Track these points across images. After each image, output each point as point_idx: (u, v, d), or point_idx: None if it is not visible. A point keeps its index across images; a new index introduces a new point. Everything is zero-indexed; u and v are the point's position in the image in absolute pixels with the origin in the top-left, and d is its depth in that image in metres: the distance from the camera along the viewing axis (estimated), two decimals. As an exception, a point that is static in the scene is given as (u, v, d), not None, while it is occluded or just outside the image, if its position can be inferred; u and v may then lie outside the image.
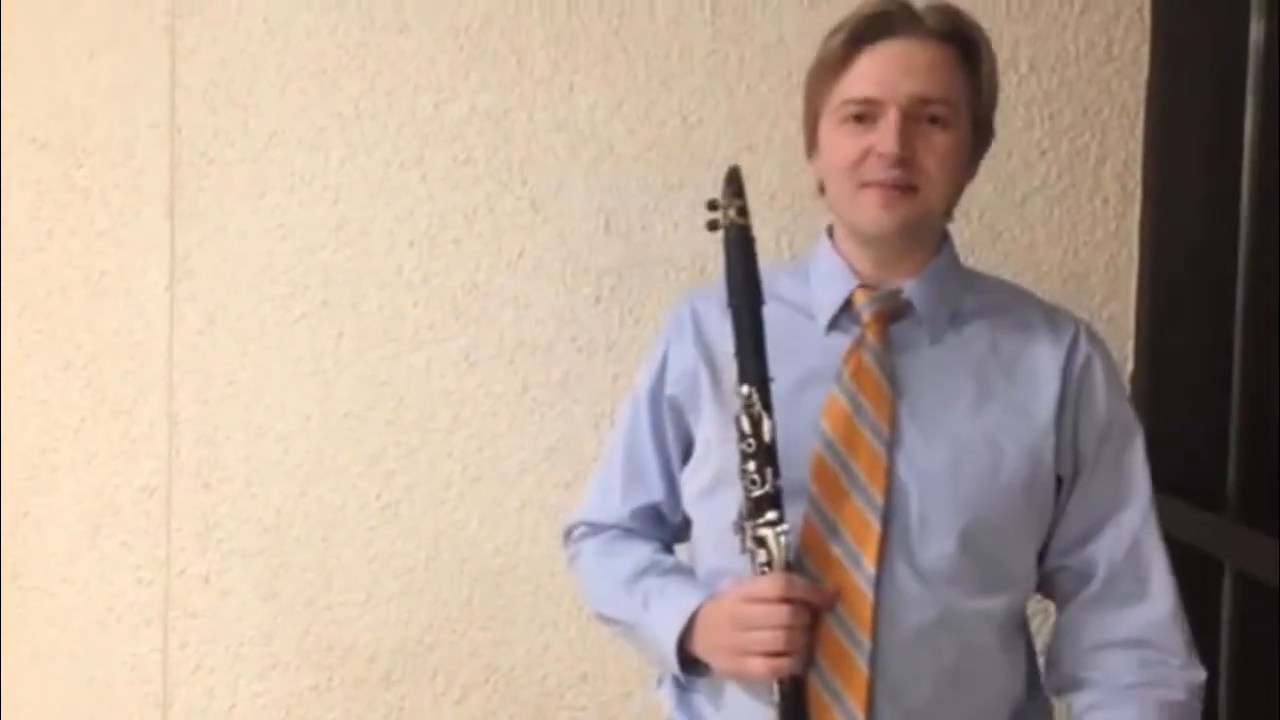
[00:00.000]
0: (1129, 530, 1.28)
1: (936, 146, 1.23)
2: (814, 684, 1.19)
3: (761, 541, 1.18)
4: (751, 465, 1.18)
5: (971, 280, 1.35)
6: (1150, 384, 1.87)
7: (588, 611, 1.45)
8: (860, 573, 1.20)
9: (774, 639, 1.16)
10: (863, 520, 1.21)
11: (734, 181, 1.24)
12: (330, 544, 1.97)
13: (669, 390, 1.37)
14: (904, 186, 1.23)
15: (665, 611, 1.29)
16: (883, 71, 1.23)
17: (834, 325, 1.29)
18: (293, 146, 1.95)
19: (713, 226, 1.25)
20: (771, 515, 1.17)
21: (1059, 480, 1.28)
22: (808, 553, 1.21)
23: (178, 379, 1.98)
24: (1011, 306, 1.33)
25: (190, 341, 1.97)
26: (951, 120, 1.24)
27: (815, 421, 1.24)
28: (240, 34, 1.95)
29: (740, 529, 1.20)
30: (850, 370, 1.25)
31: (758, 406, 1.19)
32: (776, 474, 1.18)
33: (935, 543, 1.21)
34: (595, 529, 1.43)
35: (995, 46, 1.83)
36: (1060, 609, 1.32)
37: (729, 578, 1.24)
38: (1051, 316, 1.33)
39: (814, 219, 1.88)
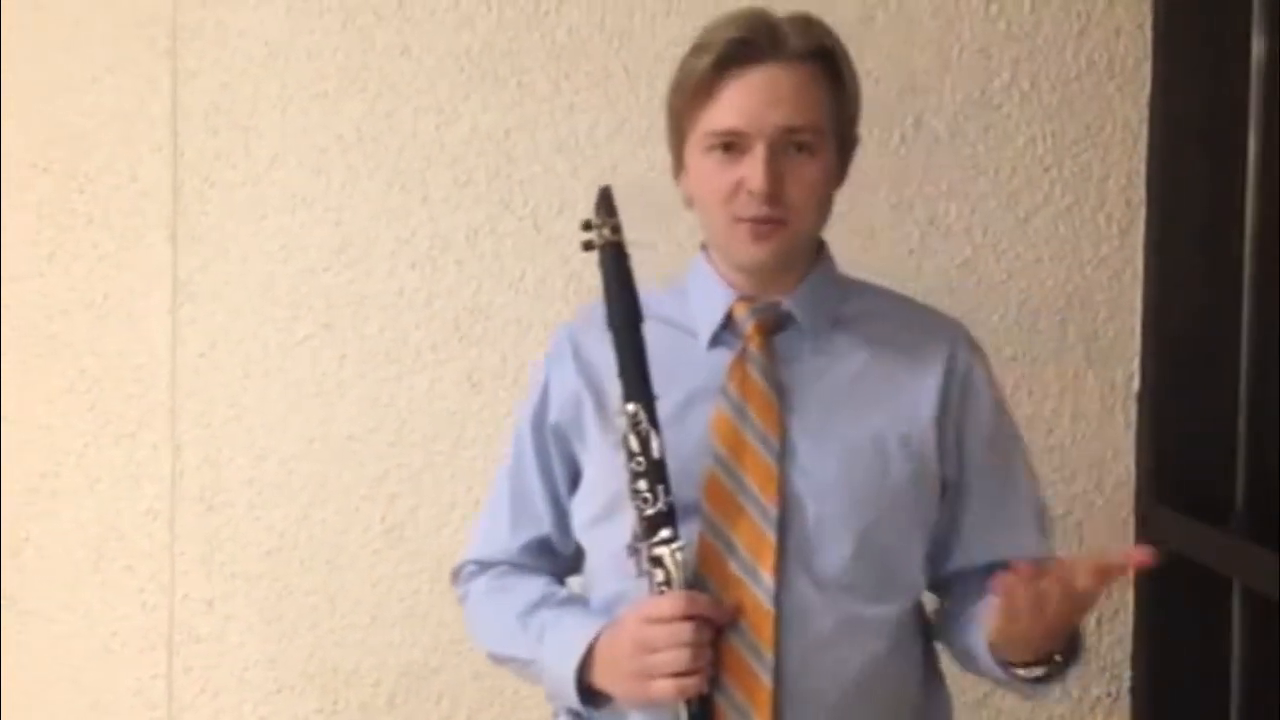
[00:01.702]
0: (1025, 546, 1.28)
1: (805, 176, 1.23)
2: (718, 701, 1.18)
3: (658, 561, 1.17)
4: (643, 484, 1.18)
5: (850, 287, 1.35)
6: (1156, 400, 1.86)
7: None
8: (759, 586, 1.20)
9: (678, 659, 1.15)
10: (758, 533, 1.21)
11: (607, 200, 1.25)
12: (334, 567, 1.97)
13: (553, 419, 1.34)
14: (773, 221, 1.23)
15: (561, 644, 1.26)
16: (749, 103, 1.21)
17: (716, 341, 1.29)
18: (294, 169, 1.95)
19: (588, 247, 1.25)
20: (666, 533, 1.17)
21: (944, 485, 1.29)
22: (706, 571, 1.21)
23: (180, 402, 1.97)
24: (891, 312, 1.34)
25: (193, 365, 1.97)
26: (817, 145, 1.24)
27: (704, 439, 1.24)
28: (241, 57, 1.95)
29: (635, 550, 1.19)
30: (735, 384, 1.25)
31: (645, 424, 1.18)
32: (668, 491, 1.18)
33: (832, 551, 1.22)
34: (484, 566, 1.41)
35: (997, 66, 1.87)
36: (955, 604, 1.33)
37: (627, 603, 1.23)
38: (931, 321, 1.35)
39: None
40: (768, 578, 1.20)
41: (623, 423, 1.19)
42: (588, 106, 1.91)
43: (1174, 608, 1.85)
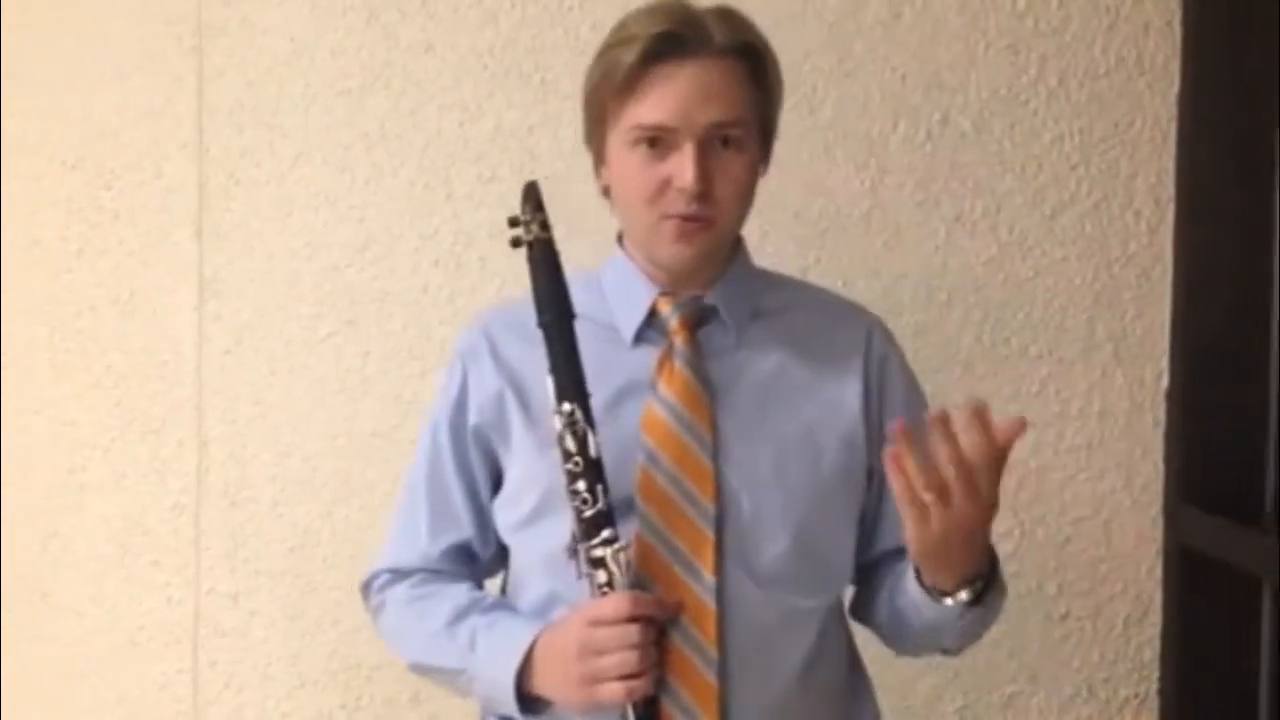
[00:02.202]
0: None
1: (732, 172, 1.22)
2: (664, 702, 1.17)
3: (599, 562, 1.16)
4: (581, 485, 1.16)
5: (768, 280, 1.36)
6: (1185, 399, 1.84)
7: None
8: (700, 584, 1.19)
9: (626, 661, 1.14)
10: (697, 531, 1.20)
11: (533, 196, 1.23)
12: (357, 563, 1.94)
13: (473, 420, 1.31)
14: (700, 219, 1.21)
15: (497, 649, 1.23)
16: (678, 98, 1.19)
17: (640, 337, 1.27)
18: (319, 166, 1.95)
19: (516, 243, 1.23)
20: (607, 534, 1.16)
21: (871, 471, 1.29)
22: (645, 569, 1.19)
23: (206, 399, 1.98)
24: (807, 303, 1.34)
25: (218, 361, 1.98)
26: (744, 140, 1.23)
27: (635, 437, 1.22)
28: (266, 55, 1.96)
29: (574, 552, 1.17)
30: (664, 380, 1.24)
31: (582, 423, 1.17)
32: (606, 491, 1.16)
33: (770, 546, 1.22)
34: (400, 575, 1.37)
35: (1024, 62, 1.85)
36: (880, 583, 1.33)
37: (563, 605, 1.21)
38: (845, 312, 1.35)
39: (844, 236, 1.88)
40: (708, 575, 1.19)
41: (558, 423, 1.17)
42: (612, 103, 1.90)
43: (1202, 608, 1.83)
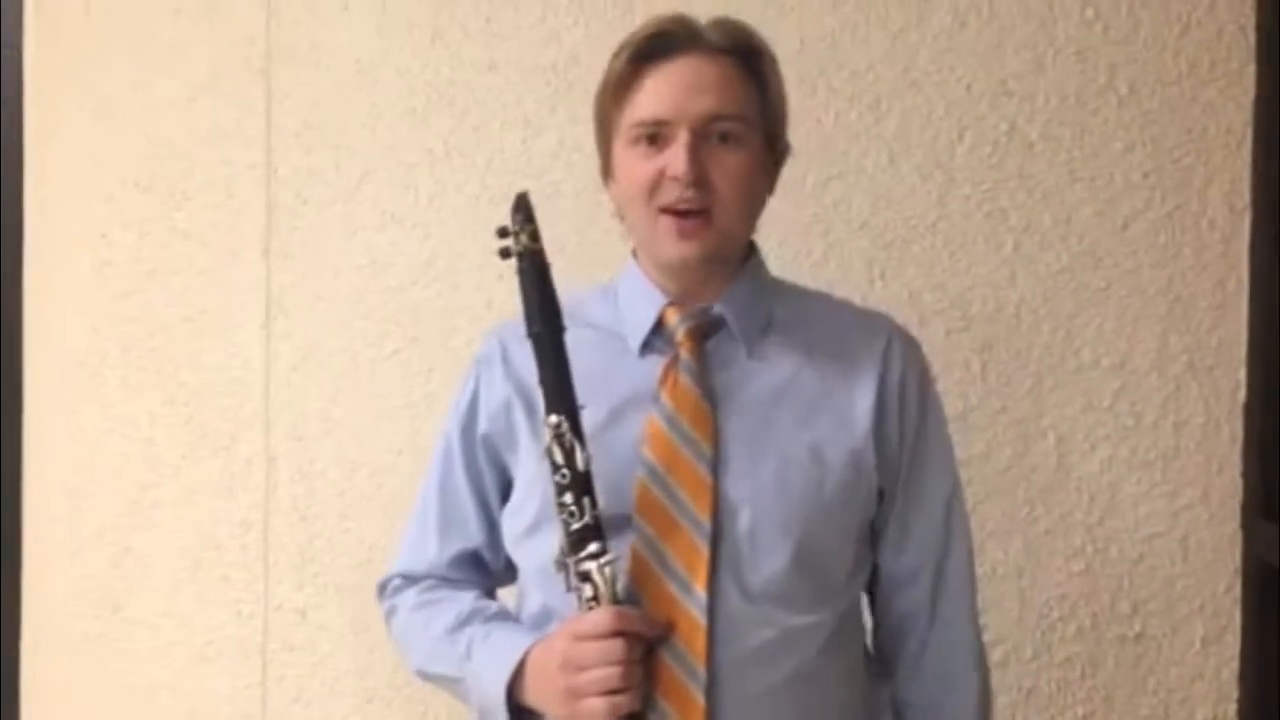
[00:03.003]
0: (935, 550, 1.30)
1: (728, 165, 1.22)
2: (650, 718, 1.15)
3: (586, 576, 1.14)
4: (568, 497, 1.15)
5: (781, 291, 1.34)
6: (1264, 411, 1.80)
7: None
8: (691, 599, 1.17)
9: (608, 677, 1.12)
10: (690, 545, 1.18)
11: (523, 206, 1.23)
12: (423, 579, 1.98)
13: (483, 429, 1.32)
14: (698, 210, 1.21)
15: (490, 660, 1.24)
16: (671, 91, 1.21)
17: (647, 347, 1.27)
18: (384, 185, 1.97)
19: (505, 254, 1.23)
20: (594, 547, 1.14)
21: (881, 488, 1.27)
22: (638, 584, 1.18)
23: (274, 415, 2.01)
24: (823, 315, 1.32)
25: (285, 378, 2.00)
26: (743, 137, 1.22)
27: (635, 448, 1.21)
28: (332, 76, 1.98)
29: (563, 565, 1.16)
30: (667, 391, 1.23)
31: (569, 436, 1.16)
32: (594, 504, 1.15)
33: (767, 562, 1.19)
34: (411, 580, 1.38)
35: (1093, 69, 1.82)
36: (882, 617, 1.34)
37: (557, 618, 1.21)
38: (864, 324, 1.32)
39: (911, 248, 1.86)
40: (700, 591, 1.17)
41: (547, 435, 1.17)
42: (674, 118, 1.90)
43: (1283, 627, 1.79)
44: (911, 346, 1.32)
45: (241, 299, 2.01)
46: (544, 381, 1.18)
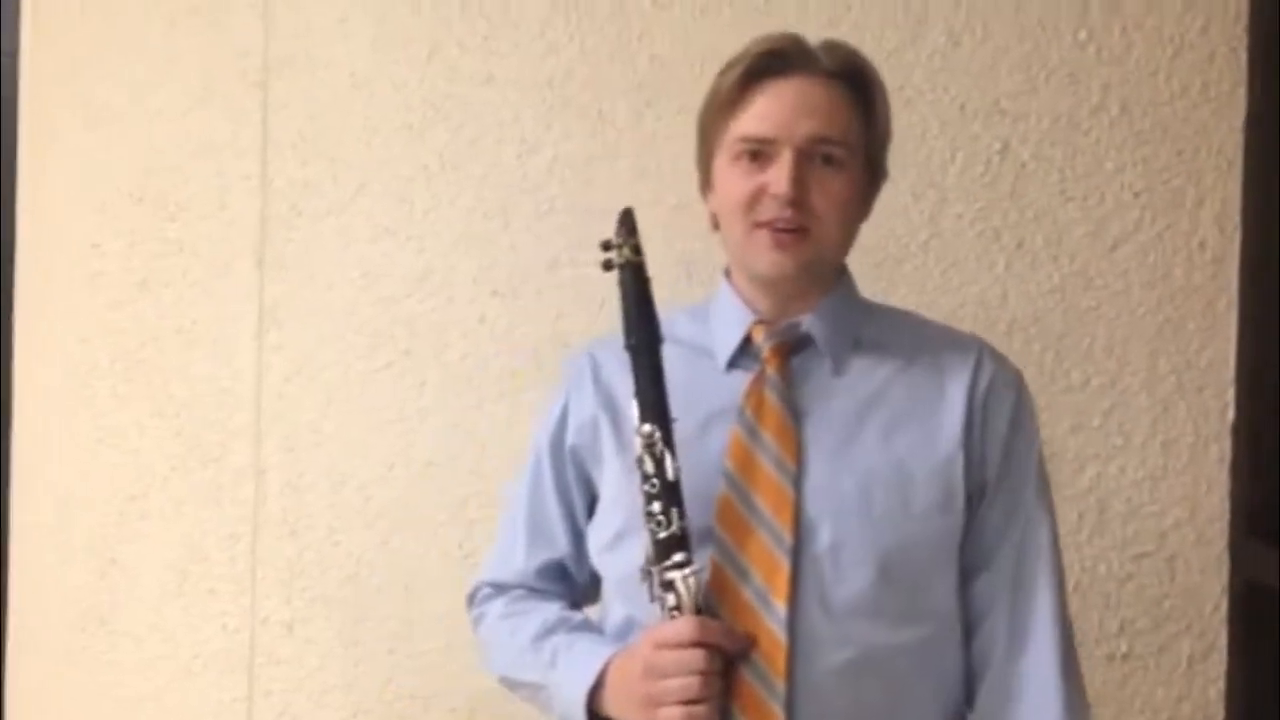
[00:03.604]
0: (1018, 568, 1.26)
1: (829, 187, 1.23)
2: None
3: (670, 585, 1.15)
4: (656, 506, 1.16)
5: (871, 310, 1.35)
6: (1251, 432, 1.81)
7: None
8: (771, 614, 1.17)
9: (687, 686, 1.13)
10: (771, 559, 1.18)
11: (628, 221, 1.25)
12: (412, 593, 1.97)
13: (570, 441, 1.34)
14: (795, 228, 1.22)
15: (573, 669, 1.25)
16: (778, 110, 1.22)
17: (734, 363, 1.28)
18: (379, 198, 1.97)
19: (607, 266, 1.25)
20: (679, 557, 1.15)
21: (969, 501, 1.26)
22: (718, 597, 1.18)
23: (264, 428, 2.00)
24: (911, 334, 1.32)
25: (277, 390, 2.00)
26: (845, 161, 1.23)
27: (719, 462, 1.22)
28: (328, 89, 1.98)
29: (648, 574, 1.17)
30: (752, 407, 1.24)
31: (660, 446, 1.17)
32: (682, 514, 1.16)
33: (850, 578, 1.19)
34: (500, 589, 1.40)
35: (1085, 90, 1.84)
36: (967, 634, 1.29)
37: (639, 629, 1.21)
38: (953, 340, 1.33)
39: (903, 266, 1.86)
40: (780, 606, 1.17)
41: (639, 444, 1.18)
42: (669, 135, 1.91)
43: (1269, 646, 1.79)
44: (1004, 369, 1.31)
45: (234, 310, 2.01)
46: (639, 392, 1.20)
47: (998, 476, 1.27)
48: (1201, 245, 1.85)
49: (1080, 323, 1.85)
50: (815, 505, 1.20)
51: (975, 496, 1.26)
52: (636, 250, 1.24)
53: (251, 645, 2.01)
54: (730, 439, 1.23)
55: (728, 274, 1.34)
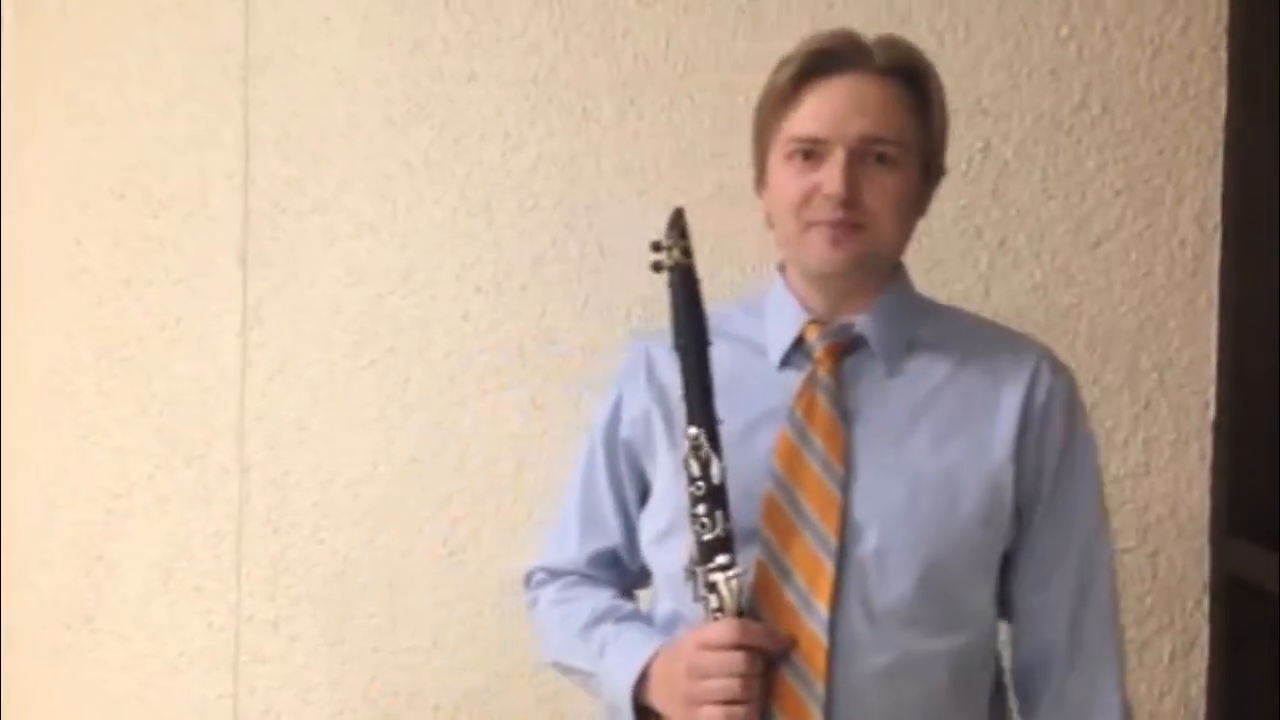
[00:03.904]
0: (1076, 582, 1.26)
1: (883, 186, 1.22)
2: None
3: (713, 587, 1.16)
4: (701, 509, 1.16)
5: (929, 310, 1.33)
6: (1232, 429, 1.82)
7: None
8: (813, 616, 1.17)
9: (727, 688, 1.13)
10: (815, 562, 1.18)
11: (679, 222, 1.23)
12: (397, 590, 1.97)
13: (624, 433, 1.35)
14: (849, 225, 1.21)
15: (620, 660, 1.26)
16: (830, 110, 1.21)
17: (786, 362, 1.27)
18: (362, 195, 1.97)
19: (657, 268, 1.24)
20: (722, 559, 1.15)
21: (1019, 509, 1.25)
22: (761, 597, 1.19)
23: (248, 425, 2.00)
24: (971, 336, 1.31)
25: (261, 388, 2.00)
26: (899, 159, 1.22)
27: (768, 461, 1.22)
28: (311, 85, 1.98)
29: (692, 574, 1.17)
30: (802, 408, 1.23)
31: (706, 448, 1.17)
32: (727, 517, 1.16)
33: (893, 583, 1.18)
34: (553, 575, 1.41)
35: (1067, 89, 1.84)
36: (1015, 646, 1.30)
37: (685, 624, 1.23)
38: (1013, 345, 1.31)
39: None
40: (822, 608, 1.17)
41: (685, 446, 1.18)
42: (653, 133, 1.91)
43: (1251, 641, 1.80)
44: (1062, 374, 1.29)
45: (217, 308, 2.01)
46: (687, 394, 1.19)
47: (1052, 493, 1.26)
48: (1182, 243, 1.85)
49: (1062, 320, 1.86)
50: (862, 509, 1.20)
51: (1026, 509, 1.26)
52: (686, 252, 1.22)
53: (236, 643, 2.01)
54: (779, 440, 1.23)
55: (782, 269, 1.34)
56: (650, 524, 1.32)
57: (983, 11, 1.86)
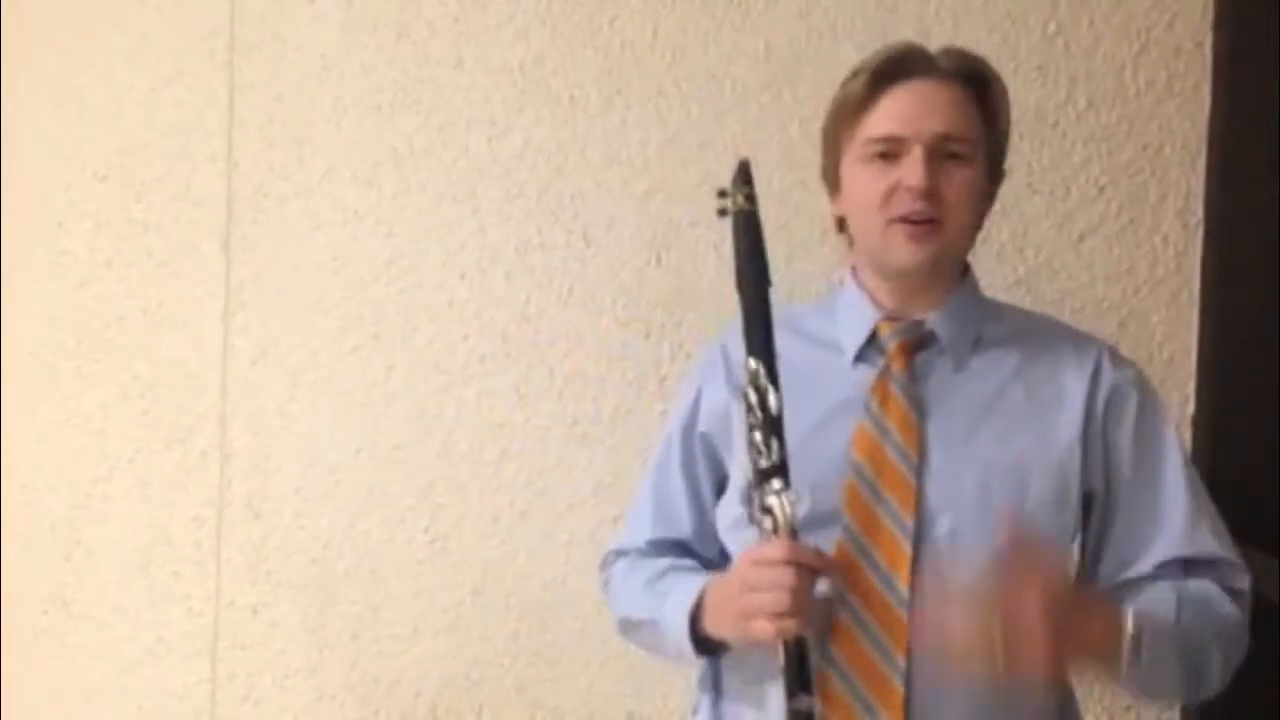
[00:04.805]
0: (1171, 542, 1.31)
1: (958, 181, 1.29)
2: (848, 699, 1.23)
3: (768, 509, 1.21)
4: (758, 436, 1.22)
5: (994, 309, 1.40)
6: (1213, 426, 1.83)
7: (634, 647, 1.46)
8: (894, 594, 1.24)
9: (778, 600, 1.18)
10: (895, 544, 1.25)
11: (744, 171, 1.29)
12: (378, 577, 1.97)
13: (702, 428, 1.42)
14: (929, 219, 1.28)
15: (678, 601, 1.32)
16: (906, 110, 1.29)
17: (860, 358, 1.34)
18: (347, 181, 1.97)
19: (722, 213, 1.29)
20: (777, 484, 1.21)
21: (1089, 497, 1.31)
22: (844, 577, 1.25)
23: (230, 410, 1.99)
24: (1034, 333, 1.38)
25: (243, 373, 1.99)
26: (970, 156, 1.30)
27: (845, 451, 1.29)
28: (297, 70, 1.97)
29: (749, 498, 1.24)
30: (878, 400, 1.30)
31: (764, 380, 1.23)
32: (782, 445, 1.22)
33: (967, 565, 1.23)
34: (625, 555, 1.48)
35: (1053, 84, 1.85)
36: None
37: None
38: (1075, 341, 1.38)
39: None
40: (903, 587, 1.24)
41: (743, 377, 1.24)
42: (639, 122, 1.91)
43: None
44: (1126, 369, 1.36)
45: (200, 292, 2.00)
46: (746, 330, 1.25)
47: (1131, 479, 1.31)
48: (1165, 239, 1.86)
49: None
50: (936, 495, 1.26)
51: (1097, 498, 1.31)
52: (749, 198, 1.27)
53: (216, 628, 2.01)
54: (857, 430, 1.29)
55: (854, 271, 1.40)
56: (730, 510, 1.37)
57: (969, 6, 1.86)
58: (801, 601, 1.19)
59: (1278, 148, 1.79)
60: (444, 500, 1.96)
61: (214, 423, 2.00)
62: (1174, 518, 1.32)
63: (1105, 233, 1.87)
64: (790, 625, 1.19)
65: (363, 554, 1.97)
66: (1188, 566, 1.32)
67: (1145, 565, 1.32)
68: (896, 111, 1.29)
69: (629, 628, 1.43)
